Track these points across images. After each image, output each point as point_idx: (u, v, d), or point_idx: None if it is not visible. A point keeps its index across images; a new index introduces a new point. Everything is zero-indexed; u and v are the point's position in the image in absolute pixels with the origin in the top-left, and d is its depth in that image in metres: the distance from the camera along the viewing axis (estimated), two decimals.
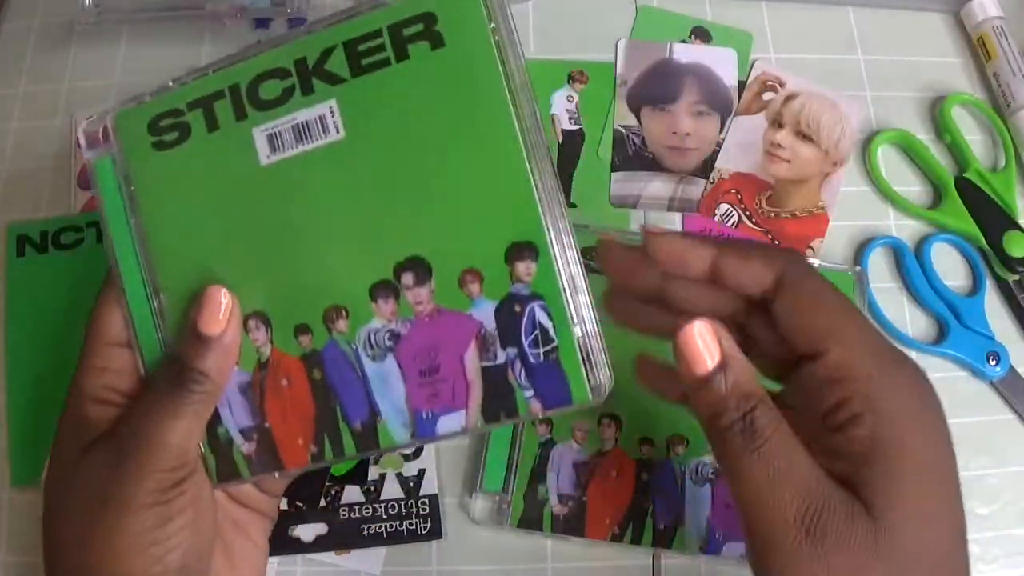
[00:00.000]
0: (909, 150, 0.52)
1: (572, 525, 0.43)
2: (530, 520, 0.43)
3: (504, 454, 0.44)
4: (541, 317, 0.34)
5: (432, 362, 0.34)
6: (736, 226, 0.51)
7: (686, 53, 0.54)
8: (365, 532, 0.43)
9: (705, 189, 0.51)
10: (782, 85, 0.53)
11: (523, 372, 0.34)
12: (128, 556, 0.32)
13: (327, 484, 0.44)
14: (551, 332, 0.33)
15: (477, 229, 0.34)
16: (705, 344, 0.31)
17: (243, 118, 0.35)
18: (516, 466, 0.44)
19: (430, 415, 0.34)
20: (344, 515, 0.44)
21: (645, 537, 0.43)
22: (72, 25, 0.53)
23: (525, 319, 0.34)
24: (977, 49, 0.55)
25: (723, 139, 0.52)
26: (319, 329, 0.35)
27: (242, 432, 0.36)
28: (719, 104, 0.53)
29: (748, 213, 0.51)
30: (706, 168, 0.52)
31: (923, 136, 0.53)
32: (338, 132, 0.35)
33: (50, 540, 0.34)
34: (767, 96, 0.53)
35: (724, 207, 0.51)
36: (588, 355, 0.33)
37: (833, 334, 0.31)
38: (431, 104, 0.34)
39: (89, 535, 0.33)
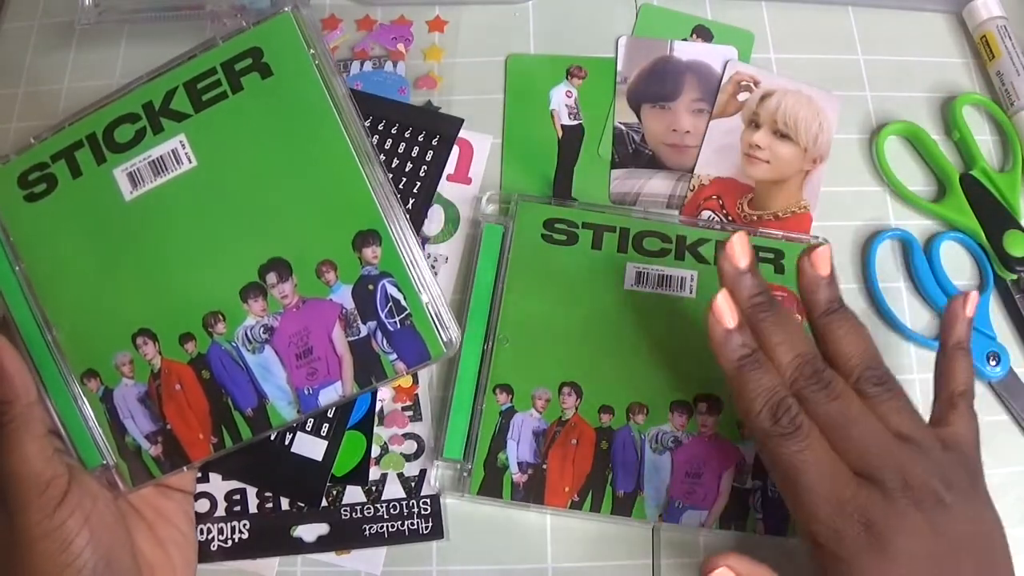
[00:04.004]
0: (916, 143, 0.52)
1: (532, 493, 0.43)
2: (490, 488, 0.43)
3: (465, 422, 0.44)
4: (392, 291, 0.39)
5: (305, 345, 0.40)
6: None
7: (686, 51, 0.53)
8: (367, 532, 0.44)
9: (685, 195, 0.50)
10: (756, 84, 0.52)
11: (384, 339, 0.39)
12: None
13: (328, 484, 0.44)
14: (403, 302, 0.39)
15: (325, 225, 0.39)
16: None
17: (103, 162, 0.40)
18: (476, 434, 0.43)
19: (311, 390, 0.40)
20: (346, 515, 0.44)
21: (605, 505, 0.43)
22: (72, 25, 0.53)
23: (379, 295, 0.39)
24: (979, 48, 0.54)
25: (700, 145, 0.51)
26: (201, 335, 0.40)
27: (147, 437, 0.40)
28: None
29: (730, 218, 0.50)
30: None
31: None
32: (191, 162, 0.40)
33: None
34: (742, 96, 0.52)
35: (707, 213, 0.50)
36: (437, 316, 0.39)
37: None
38: (269, 125, 0.40)
39: None
